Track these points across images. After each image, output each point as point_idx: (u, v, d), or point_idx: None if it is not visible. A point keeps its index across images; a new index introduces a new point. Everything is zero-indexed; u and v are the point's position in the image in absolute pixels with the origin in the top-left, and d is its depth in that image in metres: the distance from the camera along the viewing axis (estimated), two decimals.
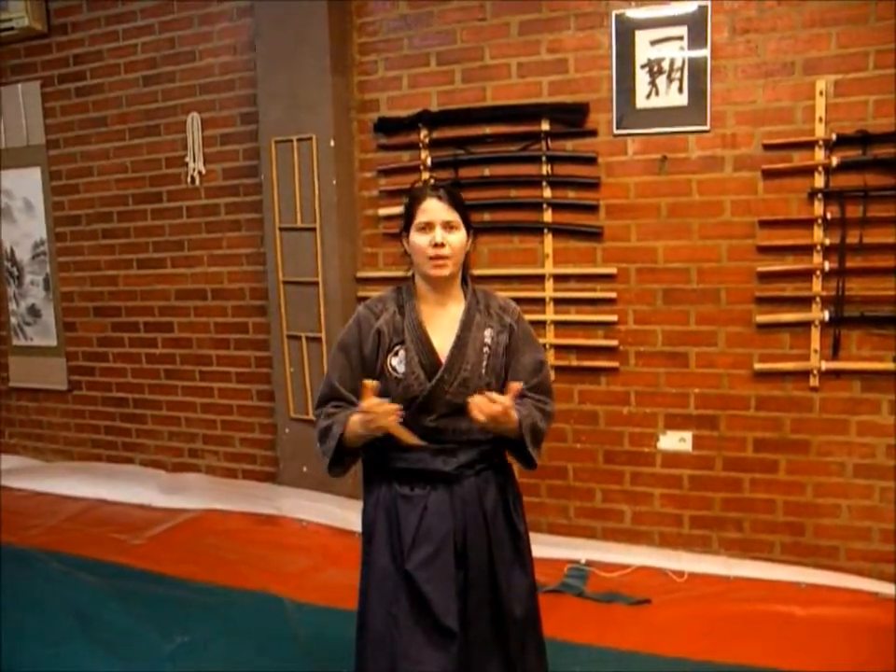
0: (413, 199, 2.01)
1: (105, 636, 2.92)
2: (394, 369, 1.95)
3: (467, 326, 1.98)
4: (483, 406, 1.80)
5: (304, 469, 4.22)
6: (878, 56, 3.11)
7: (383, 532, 1.99)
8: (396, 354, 1.96)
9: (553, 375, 3.68)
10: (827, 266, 3.25)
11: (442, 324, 1.99)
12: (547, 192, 3.68)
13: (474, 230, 2.05)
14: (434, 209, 1.94)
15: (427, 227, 1.93)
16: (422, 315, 1.99)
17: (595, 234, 3.61)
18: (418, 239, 1.95)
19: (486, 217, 3.77)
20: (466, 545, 1.96)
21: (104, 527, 4.06)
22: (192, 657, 2.79)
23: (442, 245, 1.92)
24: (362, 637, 2.02)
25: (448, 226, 1.94)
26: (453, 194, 1.98)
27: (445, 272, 1.95)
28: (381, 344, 1.96)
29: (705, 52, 3.33)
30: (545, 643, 2.18)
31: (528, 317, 2.13)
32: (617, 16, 3.44)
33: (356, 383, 1.94)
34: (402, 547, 1.94)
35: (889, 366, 3.23)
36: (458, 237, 1.96)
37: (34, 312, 5.13)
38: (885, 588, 3.15)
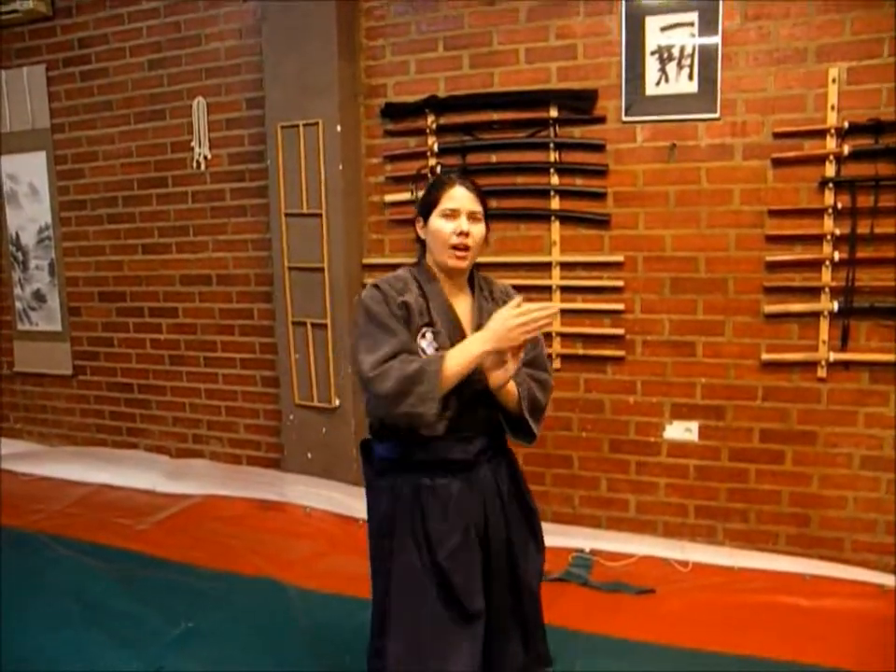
0: (439, 184, 1.97)
1: (109, 620, 2.92)
2: (423, 351, 1.90)
3: (482, 313, 1.98)
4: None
5: (309, 455, 4.22)
6: (893, 43, 3.07)
7: (404, 526, 1.94)
8: (423, 336, 1.91)
9: (559, 363, 3.70)
10: (837, 256, 3.22)
11: (459, 310, 1.99)
12: (555, 179, 3.65)
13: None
14: (462, 197, 1.92)
15: (453, 214, 1.91)
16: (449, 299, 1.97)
17: (602, 222, 3.58)
18: (441, 225, 1.92)
19: (493, 203, 3.74)
20: (487, 529, 1.98)
21: (108, 512, 4.07)
22: (196, 643, 2.79)
23: (467, 234, 1.90)
24: (389, 634, 1.94)
25: (473, 216, 1.93)
26: (478, 186, 1.97)
27: (464, 263, 1.94)
28: (411, 321, 1.90)
29: (716, 39, 3.30)
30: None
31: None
32: (627, 2, 3.41)
33: (412, 345, 1.88)
34: (429, 539, 1.91)
35: None
36: (480, 229, 1.95)
37: (39, 297, 5.13)
38: (890, 580, 3.14)
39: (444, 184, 1.95)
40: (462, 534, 1.93)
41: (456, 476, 1.95)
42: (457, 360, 1.82)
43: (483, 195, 1.98)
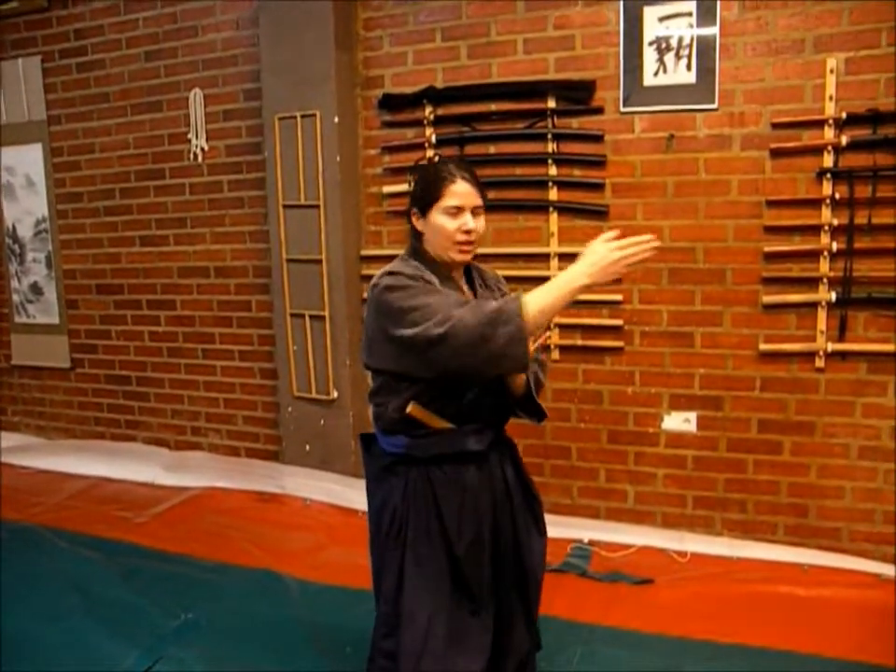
0: (439, 178, 1.88)
1: (109, 612, 2.93)
2: None
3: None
4: None
5: (307, 447, 4.22)
6: (891, 33, 3.05)
7: (419, 521, 1.91)
8: None
9: (557, 354, 3.70)
10: (835, 247, 3.22)
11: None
12: (553, 170, 3.64)
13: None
14: (466, 193, 1.86)
15: (458, 211, 1.86)
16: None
17: (600, 213, 3.58)
18: (445, 222, 1.86)
19: (491, 194, 3.68)
20: (496, 518, 1.97)
21: (107, 505, 4.07)
22: (195, 634, 2.80)
23: (472, 231, 1.87)
24: (402, 632, 1.89)
25: (476, 211, 1.88)
26: (476, 176, 1.91)
27: (469, 257, 1.91)
28: None
29: (714, 29, 3.29)
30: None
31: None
32: None
33: None
34: (445, 533, 1.89)
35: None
36: (482, 222, 1.91)
37: (36, 289, 5.12)
38: (888, 569, 3.15)
39: (445, 179, 1.87)
40: (476, 527, 1.91)
41: (469, 468, 1.93)
42: (548, 296, 1.72)
43: (482, 186, 1.92)
